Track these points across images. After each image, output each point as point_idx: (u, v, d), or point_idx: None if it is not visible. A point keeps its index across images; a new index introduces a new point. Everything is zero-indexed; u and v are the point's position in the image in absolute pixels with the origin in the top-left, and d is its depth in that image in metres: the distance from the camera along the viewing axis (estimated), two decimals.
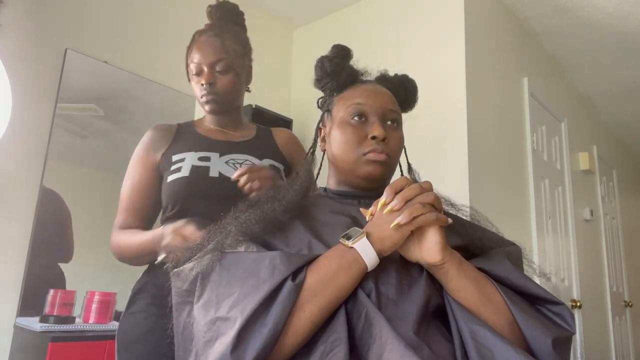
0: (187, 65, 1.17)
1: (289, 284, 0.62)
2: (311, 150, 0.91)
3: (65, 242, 1.90)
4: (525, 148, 2.60)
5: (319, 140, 0.91)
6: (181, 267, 0.73)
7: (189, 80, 1.18)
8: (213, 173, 1.11)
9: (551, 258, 2.67)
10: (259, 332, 0.59)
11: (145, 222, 1.15)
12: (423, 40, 2.31)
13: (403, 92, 0.91)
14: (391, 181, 0.77)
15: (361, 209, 0.77)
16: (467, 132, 2.05)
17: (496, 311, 0.67)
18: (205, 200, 1.07)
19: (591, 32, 2.79)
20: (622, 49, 2.95)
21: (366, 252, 0.65)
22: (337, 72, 0.87)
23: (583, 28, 2.75)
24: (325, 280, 0.64)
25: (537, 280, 0.80)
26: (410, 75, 0.94)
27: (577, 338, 2.73)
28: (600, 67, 3.21)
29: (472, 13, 2.24)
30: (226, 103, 1.16)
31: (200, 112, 1.24)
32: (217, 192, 1.08)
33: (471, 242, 0.80)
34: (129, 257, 1.11)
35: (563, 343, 0.67)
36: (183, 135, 1.18)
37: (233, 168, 1.13)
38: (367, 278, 0.67)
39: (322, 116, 0.91)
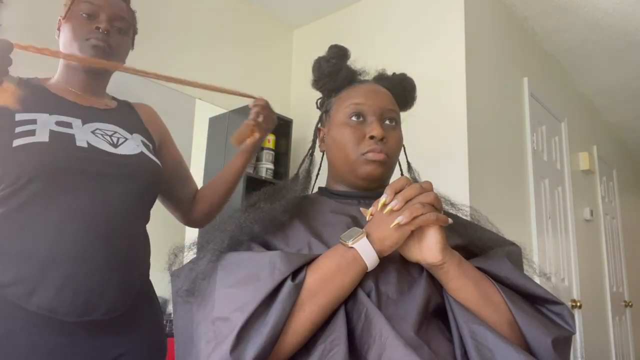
0: (72, 2, 0.99)
1: (289, 284, 0.62)
2: (310, 151, 0.91)
3: None
4: (525, 148, 2.60)
5: (317, 141, 0.91)
6: (181, 267, 0.73)
7: (65, 18, 1.00)
8: (80, 142, 0.93)
9: (551, 258, 2.67)
10: (259, 331, 0.59)
11: None
12: (423, 41, 2.31)
13: (401, 91, 0.91)
14: (391, 181, 0.77)
15: (361, 209, 0.77)
16: (467, 132, 2.05)
17: (496, 311, 0.67)
18: (74, 176, 0.90)
19: (591, 32, 2.79)
20: (622, 49, 2.95)
21: (366, 252, 0.65)
22: (334, 72, 0.87)
23: (583, 28, 2.75)
24: (325, 280, 0.64)
25: (537, 280, 0.80)
26: (410, 75, 0.94)
27: (577, 338, 2.73)
28: (600, 67, 3.21)
29: (472, 13, 2.24)
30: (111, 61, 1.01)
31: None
32: (88, 167, 0.92)
33: (471, 242, 0.80)
34: None
35: (563, 343, 0.67)
36: (28, 91, 0.95)
37: (102, 139, 0.97)
38: (367, 277, 0.67)
39: (321, 117, 0.91)
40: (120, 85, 2.15)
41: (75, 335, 0.88)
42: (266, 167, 2.49)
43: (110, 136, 1.01)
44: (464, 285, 0.67)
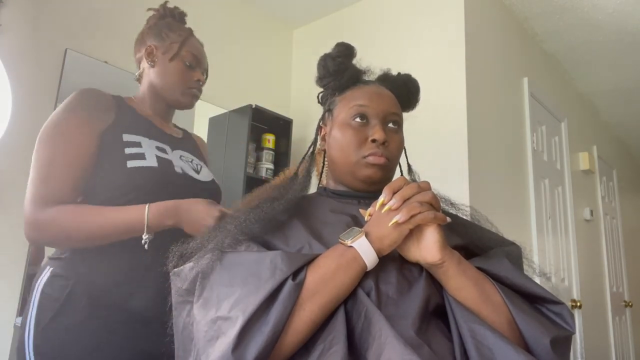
0: (180, 49, 1.12)
1: (289, 284, 0.62)
2: (311, 149, 0.91)
3: None
4: (525, 148, 2.60)
5: (319, 139, 0.91)
6: (181, 267, 0.73)
7: (171, 59, 1.11)
8: (177, 168, 1.05)
9: (551, 258, 2.67)
10: (260, 331, 0.59)
11: (78, 197, 0.97)
12: (423, 41, 2.31)
13: (405, 92, 0.91)
14: None
15: (360, 210, 0.77)
16: (467, 132, 2.05)
17: (495, 310, 0.67)
18: (174, 198, 0.97)
19: (591, 32, 2.79)
20: (622, 49, 2.95)
21: (365, 251, 0.66)
22: (339, 71, 0.87)
23: (583, 28, 2.75)
24: (325, 279, 0.64)
25: (537, 280, 0.80)
26: (412, 76, 0.94)
27: (577, 338, 2.73)
28: (600, 67, 3.21)
29: (472, 13, 2.24)
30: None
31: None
32: (185, 192, 1.01)
33: (471, 241, 0.80)
34: (82, 239, 0.92)
35: (562, 343, 0.67)
36: (125, 112, 1.05)
37: (188, 166, 1.09)
38: (367, 277, 0.67)
39: (323, 115, 0.91)
40: (120, 86, 2.16)
41: (150, 323, 0.97)
42: (266, 167, 2.49)
43: (191, 162, 1.12)
44: (463, 285, 0.67)
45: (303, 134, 2.63)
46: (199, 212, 0.93)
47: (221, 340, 0.60)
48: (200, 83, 1.16)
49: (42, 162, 0.95)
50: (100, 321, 0.93)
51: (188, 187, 1.04)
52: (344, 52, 0.88)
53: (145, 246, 0.93)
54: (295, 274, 0.64)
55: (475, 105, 2.15)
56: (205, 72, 1.20)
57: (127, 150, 0.98)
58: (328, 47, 0.90)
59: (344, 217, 0.78)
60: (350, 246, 0.66)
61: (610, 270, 3.63)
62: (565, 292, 2.77)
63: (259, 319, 0.60)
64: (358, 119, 0.81)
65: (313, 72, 0.90)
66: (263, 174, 2.46)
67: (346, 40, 0.90)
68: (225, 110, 2.43)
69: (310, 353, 0.61)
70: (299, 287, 0.63)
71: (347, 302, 0.66)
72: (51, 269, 0.96)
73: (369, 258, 0.66)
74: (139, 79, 1.16)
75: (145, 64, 1.14)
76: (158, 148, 1.04)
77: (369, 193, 0.83)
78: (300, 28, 2.97)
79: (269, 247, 0.74)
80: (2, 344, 1.67)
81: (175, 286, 0.73)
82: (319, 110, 0.94)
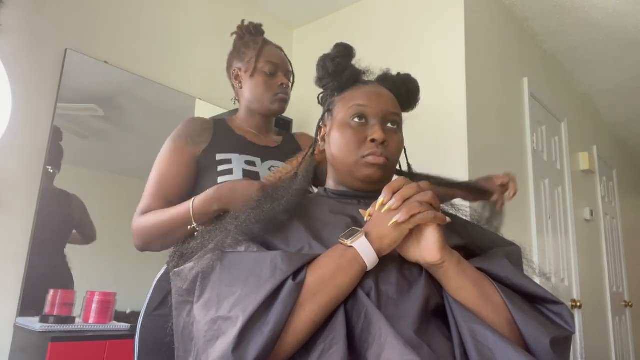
0: (257, 62, 1.21)
1: (289, 283, 0.62)
2: (311, 149, 0.91)
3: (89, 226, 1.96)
4: (525, 148, 2.60)
5: (318, 139, 0.91)
6: (181, 267, 0.73)
7: (252, 74, 1.21)
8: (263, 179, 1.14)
9: (551, 258, 2.67)
10: (260, 331, 0.59)
11: None
12: (423, 41, 2.31)
13: (405, 92, 0.91)
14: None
15: (360, 210, 0.77)
16: (467, 132, 2.05)
17: (495, 311, 0.67)
18: None
19: (591, 32, 2.79)
20: (622, 49, 2.95)
21: (365, 251, 0.66)
22: (339, 71, 0.87)
23: (583, 28, 2.75)
24: (325, 279, 0.64)
25: (537, 280, 0.80)
26: (411, 76, 0.94)
27: (577, 338, 2.73)
28: (600, 67, 3.21)
29: (472, 13, 2.24)
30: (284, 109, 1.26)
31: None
32: None
33: (471, 241, 0.80)
34: (157, 237, 1.05)
35: (562, 343, 0.67)
36: (221, 133, 1.19)
37: None
38: (367, 277, 0.67)
39: (323, 115, 0.91)
40: (120, 86, 2.16)
41: None
42: None
43: None
44: (463, 285, 0.67)
45: None
46: (241, 189, 0.98)
47: (221, 340, 0.60)
48: (285, 86, 1.23)
49: (148, 181, 1.12)
50: None
51: None
52: (343, 52, 0.88)
53: (195, 234, 0.99)
54: (295, 274, 0.64)
55: (475, 105, 2.15)
56: (288, 74, 1.26)
57: (219, 168, 1.12)
58: (328, 47, 0.90)
59: (344, 218, 0.78)
60: (350, 246, 0.66)
61: (610, 270, 3.63)
62: (565, 292, 2.77)
63: (259, 319, 0.60)
64: (357, 119, 0.81)
65: (313, 72, 0.91)
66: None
67: (346, 40, 0.90)
68: (225, 110, 2.43)
69: (310, 353, 0.61)
70: (299, 287, 0.63)
71: (347, 302, 0.66)
72: (166, 265, 1.12)
73: (369, 258, 0.66)
74: (237, 101, 1.30)
75: (237, 86, 1.26)
76: (247, 162, 1.14)
77: (369, 193, 0.83)
78: (300, 28, 2.97)
79: (269, 247, 0.74)
80: (2, 344, 1.67)
81: (176, 286, 0.73)
82: (319, 110, 0.94)
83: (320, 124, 0.91)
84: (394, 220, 0.65)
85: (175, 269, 0.74)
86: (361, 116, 0.81)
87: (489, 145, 2.23)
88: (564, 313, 0.71)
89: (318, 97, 0.94)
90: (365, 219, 0.71)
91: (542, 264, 2.48)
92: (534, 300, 0.73)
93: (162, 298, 1.08)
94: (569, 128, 3.16)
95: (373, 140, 0.79)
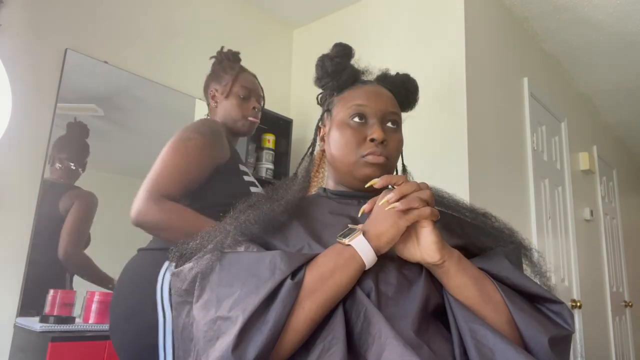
0: (232, 85, 1.35)
1: (288, 283, 0.62)
2: (310, 149, 0.91)
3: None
4: (525, 148, 2.60)
5: (318, 139, 0.91)
6: (181, 267, 0.73)
7: (227, 96, 1.35)
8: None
9: (551, 258, 2.66)
10: (260, 330, 0.59)
11: (186, 200, 1.16)
12: (423, 41, 2.30)
13: (404, 92, 0.91)
14: None
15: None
16: (467, 132, 2.05)
17: (495, 309, 0.67)
18: None
19: (591, 32, 2.79)
20: (622, 48, 2.95)
21: (363, 249, 0.66)
22: (338, 71, 0.87)
23: (583, 28, 2.75)
24: (324, 277, 0.64)
25: (536, 280, 0.80)
26: (410, 75, 0.94)
27: (577, 338, 2.73)
28: (600, 67, 3.21)
29: (472, 13, 2.24)
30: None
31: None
32: None
33: (470, 242, 0.80)
34: (180, 232, 1.04)
35: (561, 342, 0.67)
36: (233, 146, 1.33)
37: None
38: (367, 277, 0.67)
39: (322, 115, 0.91)
40: (120, 86, 2.16)
41: None
42: (266, 167, 2.49)
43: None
44: (463, 283, 0.67)
45: (303, 134, 2.63)
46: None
47: (221, 340, 0.60)
48: (256, 110, 1.37)
49: (166, 165, 1.13)
50: None
51: None
52: (342, 52, 0.88)
53: None
54: (294, 273, 0.64)
55: (475, 105, 2.15)
56: (259, 98, 1.40)
57: (246, 178, 1.27)
58: (328, 47, 0.90)
59: (343, 218, 0.78)
60: (348, 245, 0.66)
61: (610, 270, 3.63)
62: (565, 292, 2.77)
63: (258, 319, 0.60)
64: (357, 119, 0.81)
65: (313, 72, 0.91)
66: (263, 174, 2.46)
67: (346, 40, 0.90)
68: None
69: (309, 353, 0.61)
70: (298, 286, 0.63)
71: (346, 301, 0.66)
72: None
73: (367, 256, 0.66)
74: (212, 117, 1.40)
75: (212, 104, 1.39)
76: (249, 174, 1.30)
77: (368, 193, 0.83)
78: (300, 28, 2.97)
79: (268, 247, 0.74)
80: (2, 344, 1.67)
81: (175, 286, 0.73)
82: (319, 110, 0.94)
83: (320, 124, 0.91)
84: (391, 206, 0.65)
85: (175, 270, 0.74)
86: (360, 116, 0.81)
87: (489, 145, 2.23)
88: (563, 312, 0.71)
89: (317, 97, 0.94)
90: (359, 214, 0.72)
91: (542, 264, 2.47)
92: (534, 300, 0.73)
93: None
94: (569, 128, 3.16)
95: (372, 140, 0.79)
